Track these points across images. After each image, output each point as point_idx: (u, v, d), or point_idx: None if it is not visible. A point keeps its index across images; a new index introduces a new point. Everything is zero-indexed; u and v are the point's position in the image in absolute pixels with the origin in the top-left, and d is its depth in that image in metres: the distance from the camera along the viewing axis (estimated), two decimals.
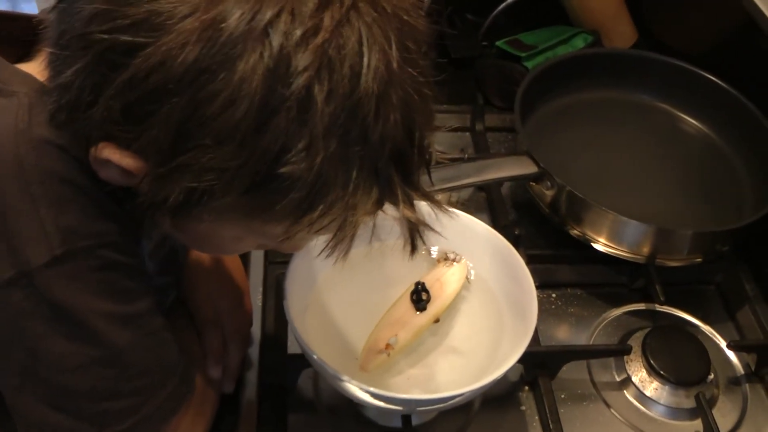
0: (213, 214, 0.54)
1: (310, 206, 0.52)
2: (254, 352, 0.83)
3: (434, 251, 0.82)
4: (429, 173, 0.59)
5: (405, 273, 0.79)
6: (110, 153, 0.54)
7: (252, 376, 0.82)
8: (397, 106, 0.52)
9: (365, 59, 0.50)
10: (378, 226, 0.80)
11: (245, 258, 0.91)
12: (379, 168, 0.53)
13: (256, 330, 0.85)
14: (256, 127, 0.49)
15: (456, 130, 1.11)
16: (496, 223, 0.96)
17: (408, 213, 0.57)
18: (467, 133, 1.10)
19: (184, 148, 0.50)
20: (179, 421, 0.69)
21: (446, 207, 0.64)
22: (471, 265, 0.81)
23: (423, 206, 0.59)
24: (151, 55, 0.49)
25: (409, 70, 0.53)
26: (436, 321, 0.77)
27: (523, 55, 1.07)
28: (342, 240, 0.57)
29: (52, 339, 0.59)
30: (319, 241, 0.60)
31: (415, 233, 0.59)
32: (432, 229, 0.60)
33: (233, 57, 0.48)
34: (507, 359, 0.69)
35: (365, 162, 0.52)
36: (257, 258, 0.93)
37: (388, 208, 0.57)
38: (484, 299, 0.80)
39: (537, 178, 0.90)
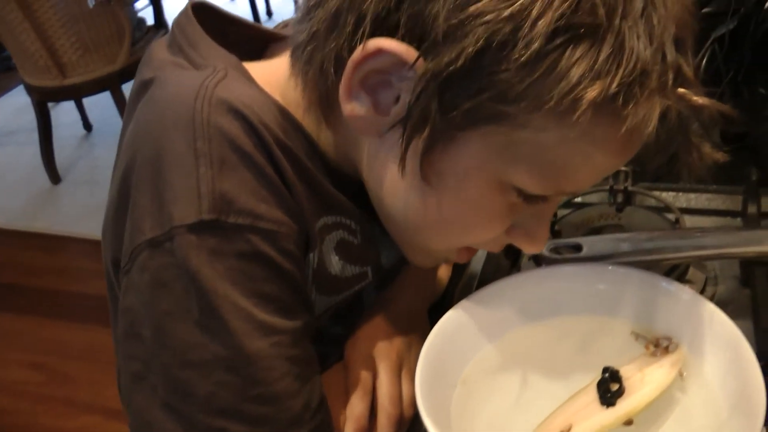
0: (474, 116, 0.50)
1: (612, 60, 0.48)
2: None
3: (642, 336, 0.63)
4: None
5: (600, 358, 0.62)
6: (380, 42, 0.51)
7: None
8: None
9: None
10: (571, 298, 0.66)
11: None
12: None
13: None
14: None
15: (724, 213, 0.91)
16: (757, 326, 0.74)
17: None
18: (738, 219, 0.89)
19: None
20: None
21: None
22: (690, 357, 0.61)
23: None
24: None
25: None
26: (629, 423, 0.58)
27: None
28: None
29: (181, 321, 0.54)
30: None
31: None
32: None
33: None
34: None
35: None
36: None
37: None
38: (701, 404, 0.59)
39: None
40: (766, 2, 0.94)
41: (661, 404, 0.59)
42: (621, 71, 0.47)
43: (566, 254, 0.69)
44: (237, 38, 0.67)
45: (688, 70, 0.50)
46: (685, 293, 0.63)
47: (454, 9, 0.47)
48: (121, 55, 3.19)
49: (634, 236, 0.71)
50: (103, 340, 2.55)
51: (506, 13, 0.46)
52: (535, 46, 0.46)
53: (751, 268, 0.79)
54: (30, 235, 3.13)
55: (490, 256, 0.89)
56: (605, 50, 0.47)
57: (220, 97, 0.55)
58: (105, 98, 3.29)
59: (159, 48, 0.65)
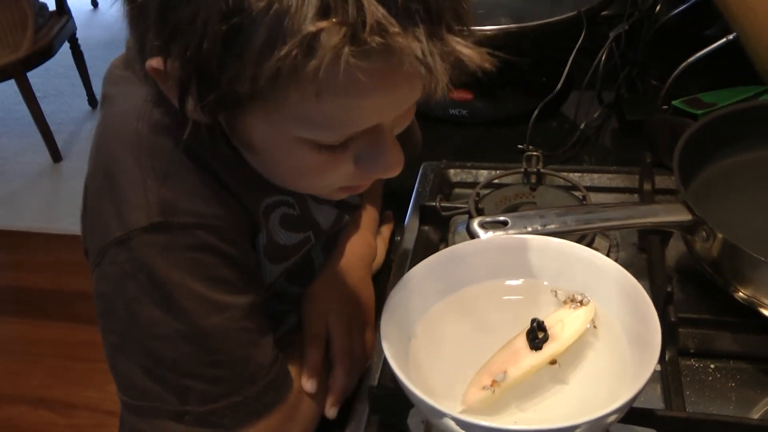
0: (228, 97, 0.54)
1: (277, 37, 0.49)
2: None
3: (560, 293, 0.75)
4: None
5: (528, 314, 0.73)
6: (148, 64, 0.59)
7: (365, 409, 0.79)
8: None
9: None
10: (502, 265, 0.77)
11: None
12: None
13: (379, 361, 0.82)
14: None
15: (623, 191, 1.04)
16: (653, 284, 0.87)
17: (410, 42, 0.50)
18: (635, 195, 1.03)
19: (167, 20, 0.53)
20: (264, 426, 0.68)
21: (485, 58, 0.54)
22: (599, 308, 0.73)
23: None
24: None
25: None
26: (553, 363, 0.70)
27: (700, 112, 0.99)
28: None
29: (145, 304, 0.63)
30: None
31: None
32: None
33: None
34: (620, 399, 0.61)
35: None
36: None
37: None
38: (610, 345, 0.72)
39: (691, 227, 0.81)
40: (657, 6, 1.08)
41: (578, 347, 0.71)
42: (286, 44, 0.48)
43: (494, 229, 0.81)
44: None
45: (375, 9, 0.48)
46: (596, 258, 0.75)
47: (159, 46, 0.55)
48: (24, 43, 3.15)
49: (550, 212, 0.83)
50: (18, 330, 2.54)
51: (185, 18, 0.51)
52: (217, 38, 0.51)
53: (647, 236, 0.93)
54: None
55: (420, 234, 0.99)
56: (267, 28, 0.49)
57: (158, 119, 0.65)
58: (8, 86, 3.24)
59: (116, 63, 0.74)
